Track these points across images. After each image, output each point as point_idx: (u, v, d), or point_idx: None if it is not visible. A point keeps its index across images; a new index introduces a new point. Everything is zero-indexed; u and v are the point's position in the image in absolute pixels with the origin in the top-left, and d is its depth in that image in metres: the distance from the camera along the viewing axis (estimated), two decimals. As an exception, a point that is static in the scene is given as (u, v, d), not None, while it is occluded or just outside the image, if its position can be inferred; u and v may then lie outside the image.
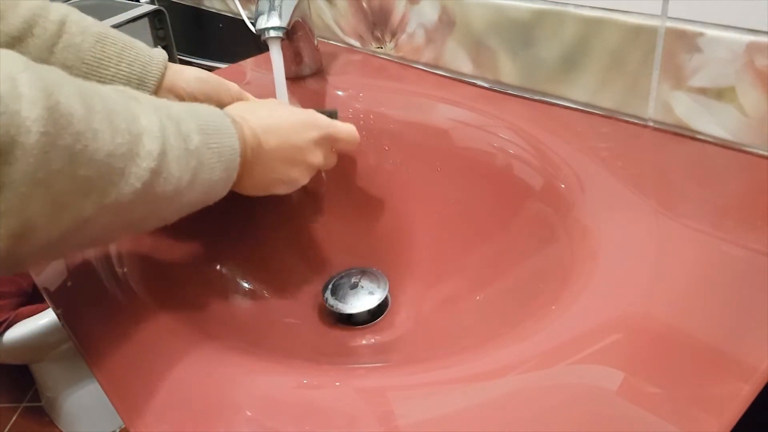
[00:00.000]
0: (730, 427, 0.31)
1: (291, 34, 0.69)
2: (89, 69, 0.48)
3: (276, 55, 0.59)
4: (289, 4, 0.59)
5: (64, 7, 0.48)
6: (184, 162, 0.37)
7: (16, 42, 0.45)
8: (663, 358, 0.34)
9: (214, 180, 0.40)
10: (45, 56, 0.46)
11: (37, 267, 0.48)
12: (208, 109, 0.42)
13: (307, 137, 0.49)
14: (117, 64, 0.49)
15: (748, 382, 0.32)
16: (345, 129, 0.53)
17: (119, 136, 0.32)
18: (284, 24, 0.58)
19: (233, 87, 0.57)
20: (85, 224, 0.31)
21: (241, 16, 0.79)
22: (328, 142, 0.51)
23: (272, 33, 0.58)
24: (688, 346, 0.35)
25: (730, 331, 0.35)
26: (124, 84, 0.50)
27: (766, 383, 0.33)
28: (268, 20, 0.58)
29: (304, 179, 0.50)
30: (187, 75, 0.54)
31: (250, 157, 0.45)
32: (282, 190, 0.50)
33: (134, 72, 0.50)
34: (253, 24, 0.60)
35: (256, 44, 0.61)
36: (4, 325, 1.08)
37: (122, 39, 0.50)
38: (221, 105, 0.55)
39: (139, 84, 0.51)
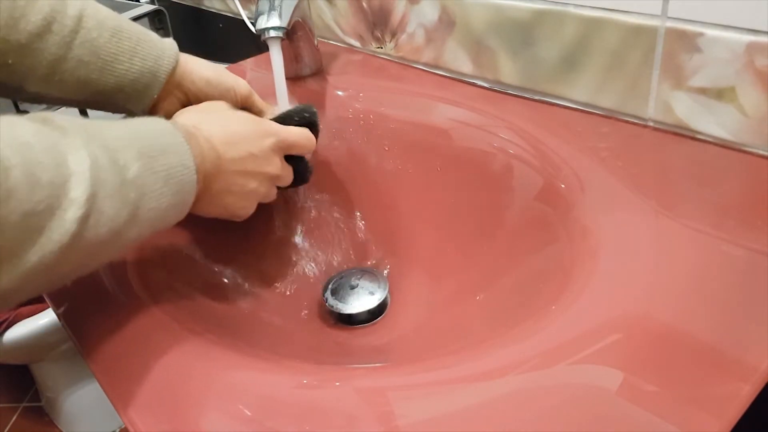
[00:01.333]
0: (730, 427, 0.31)
1: (291, 34, 0.69)
2: (104, 64, 0.48)
3: (276, 55, 0.59)
4: (289, 4, 0.59)
5: (80, 0, 0.48)
6: (118, 198, 0.33)
7: (35, 39, 0.45)
8: (663, 358, 0.34)
9: (163, 207, 0.38)
10: (63, 52, 0.46)
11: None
12: (154, 126, 0.39)
13: (264, 145, 0.47)
14: (130, 59, 0.49)
15: (748, 382, 0.32)
16: (298, 133, 0.51)
17: (39, 191, 0.29)
18: (284, 24, 0.58)
19: (242, 90, 0.55)
20: (5, 294, 0.29)
21: (241, 16, 0.79)
22: (282, 149, 0.50)
23: (272, 33, 0.58)
24: (688, 346, 0.35)
25: (730, 331, 0.35)
26: (137, 77, 0.50)
27: (766, 383, 0.33)
28: (268, 20, 0.58)
29: (262, 190, 0.48)
30: (197, 75, 0.53)
31: (210, 171, 0.43)
32: (240, 207, 0.48)
33: (146, 66, 0.50)
34: (253, 24, 0.60)
35: (256, 44, 0.61)
36: (4, 325, 1.08)
37: (137, 32, 0.50)
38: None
39: (151, 77, 0.50)
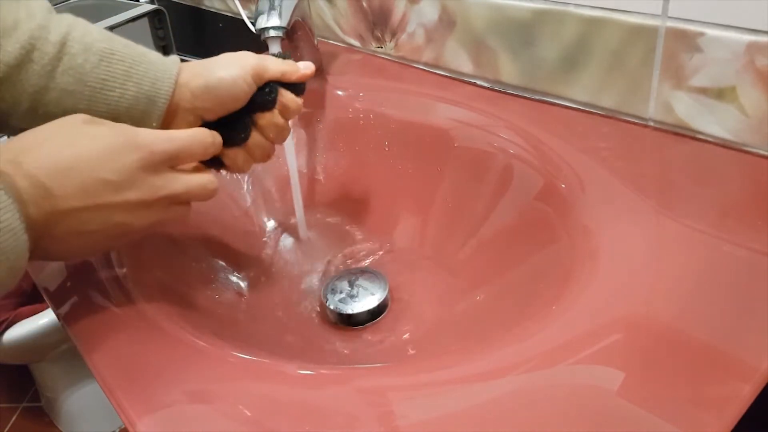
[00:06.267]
0: (731, 427, 0.31)
1: (291, 33, 0.69)
2: (93, 92, 0.43)
3: (276, 54, 0.59)
4: (289, 3, 0.59)
5: (66, 23, 0.43)
6: None
7: (14, 71, 0.41)
8: (663, 358, 0.34)
9: None
10: (45, 83, 0.41)
11: (37, 267, 0.49)
12: None
13: (125, 165, 0.37)
14: (123, 84, 0.43)
15: (748, 382, 0.32)
16: (183, 138, 0.41)
17: None
18: (284, 24, 0.58)
19: (248, 71, 0.46)
20: None
21: (241, 16, 0.79)
22: (164, 161, 0.40)
23: (272, 33, 0.58)
24: (688, 346, 0.35)
25: (730, 331, 0.35)
26: (132, 104, 0.44)
27: (766, 383, 0.33)
28: (268, 20, 0.58)
29: (135, 222, 0.39)
30: (194, 85, 0.46)
31: (37, 217, 0.35)
32: (102, 246, 0.40)
33: (143, 91, 0.44)
34: (253, 24, 0.60)
35: (256, 44, 0.61)
36: (4, 325, 1.08)
37: (131, 54, 0.44)
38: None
39: (148, 103, 0.44)
